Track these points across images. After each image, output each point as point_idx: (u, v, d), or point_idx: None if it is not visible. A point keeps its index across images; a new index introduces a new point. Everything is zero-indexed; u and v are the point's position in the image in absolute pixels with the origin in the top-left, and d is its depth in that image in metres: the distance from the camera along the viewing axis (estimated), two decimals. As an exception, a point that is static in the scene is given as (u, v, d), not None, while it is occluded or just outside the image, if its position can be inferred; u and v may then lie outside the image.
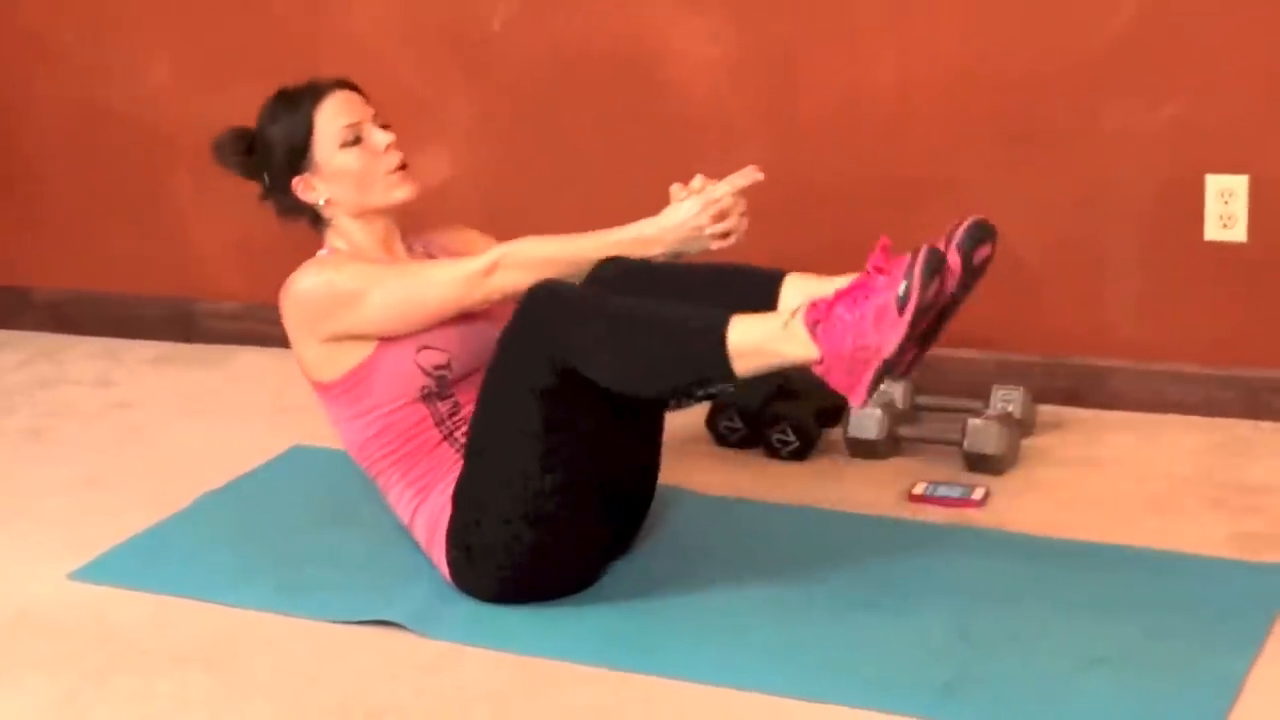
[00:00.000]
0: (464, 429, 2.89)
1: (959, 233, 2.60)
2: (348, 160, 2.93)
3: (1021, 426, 3.37)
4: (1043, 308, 3.59)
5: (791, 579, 2.89)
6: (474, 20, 3.86)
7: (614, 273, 2.81)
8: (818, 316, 2.56)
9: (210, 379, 4.08)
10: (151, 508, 3.31)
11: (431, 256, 3.06)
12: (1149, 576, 2.84)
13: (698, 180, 2.85)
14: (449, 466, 2.88)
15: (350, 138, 2.93)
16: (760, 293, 2.76)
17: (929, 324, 2.58)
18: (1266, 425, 3.42)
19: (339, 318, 2.85)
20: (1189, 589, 2.80)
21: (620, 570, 2.93)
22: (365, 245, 2.97)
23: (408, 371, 2.88)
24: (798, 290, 2.76)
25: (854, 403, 2.59)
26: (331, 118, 2.93)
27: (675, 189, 2.86)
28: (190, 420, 3.83)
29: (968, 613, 2.75)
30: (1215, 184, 3.39)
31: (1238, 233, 3.40)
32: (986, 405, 3.39)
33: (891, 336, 2.51)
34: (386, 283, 2.85)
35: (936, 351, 3.62)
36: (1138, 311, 3.52)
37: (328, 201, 2.94)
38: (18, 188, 4.43)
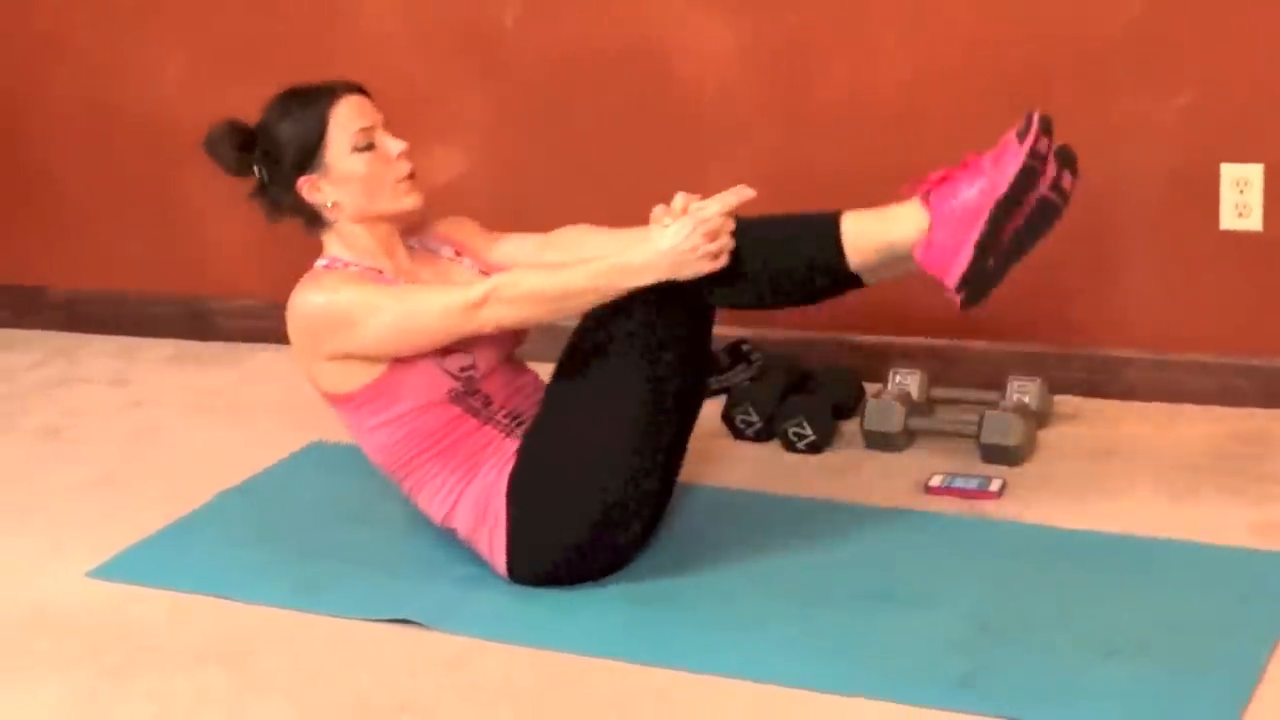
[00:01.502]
0: (503, 414, 2.90)
1: (1036, 115, 2.73)
2: (359, 164, 2.90)
3: (1038, 418, 3.36)
4: (1058, 298, 3.58)
5: (808, 571, 2.89)
6: (486, 17, 3.86)
7: None
8: (929, 186, 2.70)
9: (226, 377, 4.08)
10: (168, 506, 3.32)
11: (431, 252, 3.05)
12: (1166, 567, 2.84)
13: (679, 200, 2.80)
14: (496, 445, 2.88)
15: (363, 142, 2.90)
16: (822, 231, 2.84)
17: (1016, 230, 2.70)
18: (1284, 414, 3.42)
19: (337, 340, 2.84)
20: (1207, 579, 2.79)
21: (638, 564, 2.93)
22: (367, 249, 2.94)
23: (433, 376, 2.87)
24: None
25: (949, 282, 2.68)
26: (346, 120, 2.90)
27: (657, 211, 2.80)
28: (206, 418, 3.83)
29: (985, 604, 2.75)
30: (1230, 173, 3.38)
31: (1253, 221, 3.39)
32: (1003, 397, 3.39)
33: (1009, 169, 2.63)
34: (381, 311, 2.81)
35: (952, 342, 3.65)
36: (1154, 301, 3.51)
37: (334, 204, 2.91)
38: (33, 187, 4.44)
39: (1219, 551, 2.88)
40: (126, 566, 3.10)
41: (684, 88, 3.74)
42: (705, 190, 3.80)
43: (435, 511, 2.92)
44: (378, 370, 2.86)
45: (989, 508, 3.10)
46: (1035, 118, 2.71)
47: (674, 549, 2.98)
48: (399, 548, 3.07)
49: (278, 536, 3.18)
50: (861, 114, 3.61)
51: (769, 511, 3.14)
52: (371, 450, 2.94)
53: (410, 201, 2.94)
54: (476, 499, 2.86)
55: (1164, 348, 3.52)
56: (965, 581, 2.83)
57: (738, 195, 2.78)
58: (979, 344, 3.62)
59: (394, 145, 2.91)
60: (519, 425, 2.91)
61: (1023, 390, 3.38)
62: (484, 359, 2.90)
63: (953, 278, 2.68)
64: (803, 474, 3.30)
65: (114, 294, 4.39)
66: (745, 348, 3.68)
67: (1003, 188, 2.67)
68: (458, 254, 3.06)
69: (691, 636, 2.73)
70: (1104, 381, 3.55)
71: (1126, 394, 3.54)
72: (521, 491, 2.83)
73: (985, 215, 2.67)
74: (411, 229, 3.05)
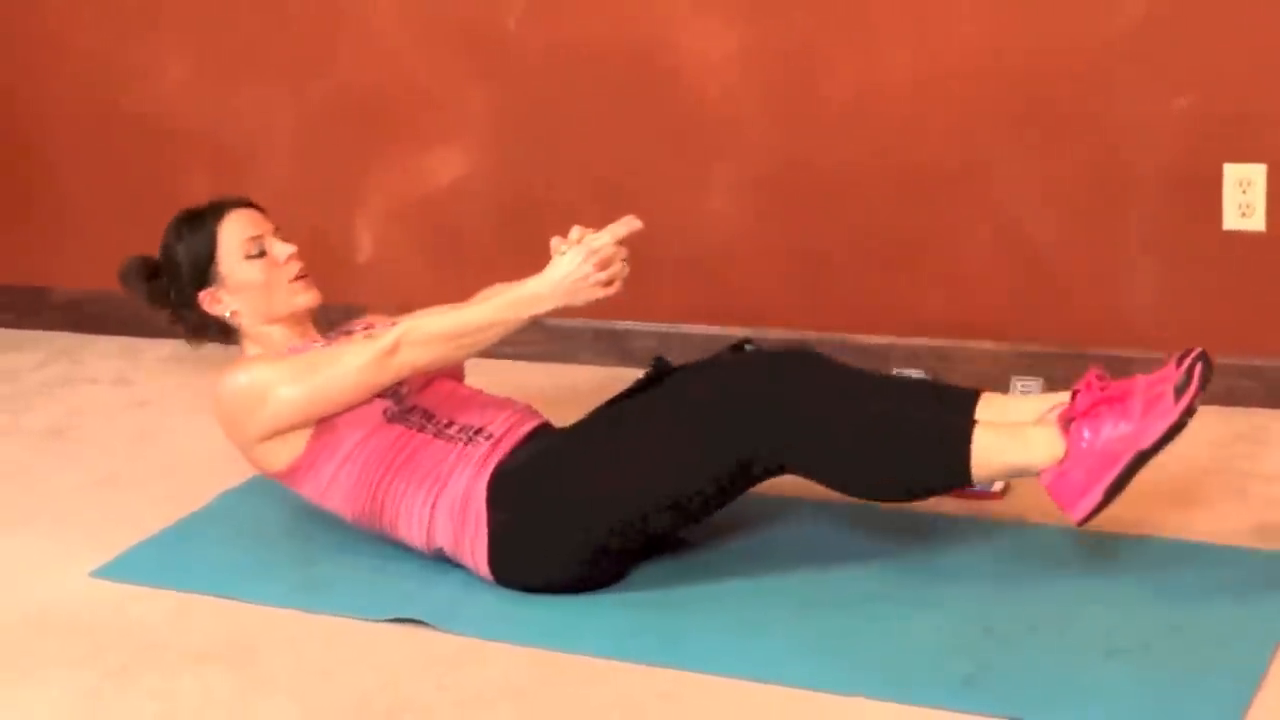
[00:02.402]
0: (455, 428, 2.93)
1: (1200, 367, 2.62)
2: (252, 271, 3.03)
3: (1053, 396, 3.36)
4: (1061, 298, 3.59)
5: (811, 572, 2.89)
6: (489, 18, 3.86)
7: (816, 379, 2.81)
8: (1073, 415, 2.61)
9: (229, 377, 4.08)
10: (172, 506, 3.32)
11: (347, 334, 3.12)
12: (1170, 567, 2.84)
13: (575, 231, 2.85)
14: (458, 454, 2.89)
15: (255, 250, 3.04)
16: (959, 406, 2.81)
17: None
18: (1287, 414, 3.42)
19: (262, 418, 2.92)
20: (1210, 579, 2.79)
21: (642, 565, 2.93)
22: (283, 345, 3.04)
23: (364, 407, 2.94)
24: (995, 407, 2.82)
25: (1078, 514, 2.61)
26: (235, 232, 3.04)
27: (555, 241, 2.86)
28: (209, 418, 3.80)
29: (988, 604, 2.75)
30: (1233, 173, 3.38)
31: (1256, 222, 3.39)
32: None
33: (1159, 424, 2.56)
34: (295, 380, 2.91)
35: (955, 343, 3.65)
36: (1156, 301, 3.51)
37: (234, 313, 3.05)
38: (37, 187, 4.44)
39: (1221, 552, 2.88)
40: (130, 566, 3.10)
41: (687, 89, 3.74)
42: (706, 193, 3.82)
43: (416, 534, 2.93)
44: (307, 433, 2.94)
45: (991, 508, 3.10)
46: (1197, 374, 2.61)
47: (677, 550, 2.98)
48: (402, 548, 3.07)
49: (280, 536, 3.19)
50: (865, 116, 3.61)
51: (771, 512, 3.13)
52: (341, 505, 2.98)
53: (305, 299, 3.06)
54: (452, 507, 2.87)
55: (1166, 348, 3.50)
56: (968, 582, 2.83)
57: (627, 226, 2.83)
58: (982, 344, 3.62)
59: (282, 250, 3.05)
60: (478, 434, 2.92)
61: (1025, 390, 3.38)
62: (413, 377, 2.97)
63: (1078, 513, 2.61)
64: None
65: (118, 294, 4.35)
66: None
67: (1147, 442, 2.59)
68: (369, 327, 3.14)
69: (693, 637, 2.73)
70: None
71: (1129, 394, 3.54)
72: (512, 499, 2.84)
73: (1124, 463, 2.59)
74: (333, 323, 3.18)
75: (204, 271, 3.05)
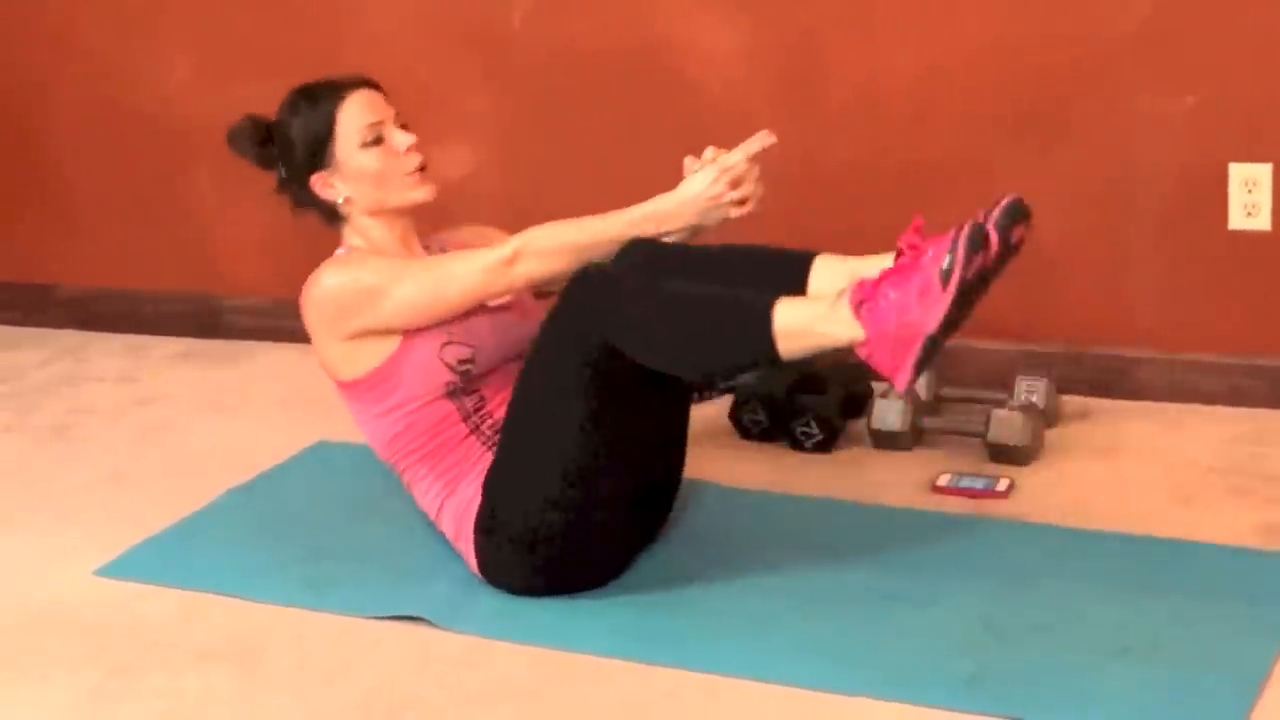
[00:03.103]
0: (490, 423, 2.90)
1: (996, 211, 2.58)
2: (368, 159, 2.93)
3: (1045, 417, 3.36)
4: (1066, 298, 3.58)
5: (815, 571, 2.89)
6: (493, 16, 3.86)
7: (645, 255, 2.81)
8: (863, 296, 2.57)
9: (234, 375, 4.09)
10: (176, 504, 3.33)
11: (447, 253, 3.05)
12: (1174, 567, 2.84)
13: (709, 151, 2.84)
14: (476, 459, 2.88)
15: (371, 137, 2.93)
16: (790, 273, 2.78)
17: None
18: (1292, 414, 3.42)
19: (363, 314, 2.85)
20: (1214, 579, 2.79)
21: (645, 563, 2.93)
22: (383, 242, 2.97)
23: (433, 367, 2.88)
24: (828, 271, 2.78)
25: (898, 385, 2.58)
26: (354, 116, 2.93)
27: (689, 161, 2.85)
28: (214, 416, 3.84)
29: (992, 604, 2.75)
30: (1239, 173, 3.38)
31: (1261, 221, 3.39)
32: (1010, 396, 3.39)
33: (935, 311, 2.51)
34: (409, 277, 2.85)
35: (960, 342, 3.63)
36: (1161, 301, 3.51)
37: (346, 200, 2.95)
38: (41, 185, 4.44)
39: (1226, 552, 2.88)
40: (134, 564, 3.10)
41: (692, 87, 3.74)
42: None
43: (427, 510, 2.95)
44: (386, 352, 2.87)
45: (996, 507, 3.10)
46: (962, 249, 2.51)
47: (680, 548, 2.98)
48: (406, 546, 3.07)
49: (285, 534, 3.19)
50: (870, 113, 3.61)
51: (776, 511, 3.14)
52: (372, 438, 2.96)
53: (422, 193, 2.96)
54: (455, 513, 2.88)
55: (1172, 347, 3.52)
56: (972, 581, 2.83)
57: (760, 141, 2.82)
58: (987, 343, 3.61)
59: (402, 139, 2.94)
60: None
61: (1031, 390, 3.38)
62: (483, 355, 2.91)
63: (899, 385, 2.58)
64: (810, 473, 3.30)
65: (123, 292, 4.39)
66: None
67: (932, 327, 2.52)
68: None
69: (697, 636, 2.73)
70: (1112, 381, 3.55)
71: (1134, 394, 3.54)
72: (484, 511, 2.83)
73: (919, 346, 2.54)
74: (431, 235, 3.08)
75: (319, 154, 2.93)
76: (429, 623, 2.81)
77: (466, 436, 2.90)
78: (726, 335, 2.65)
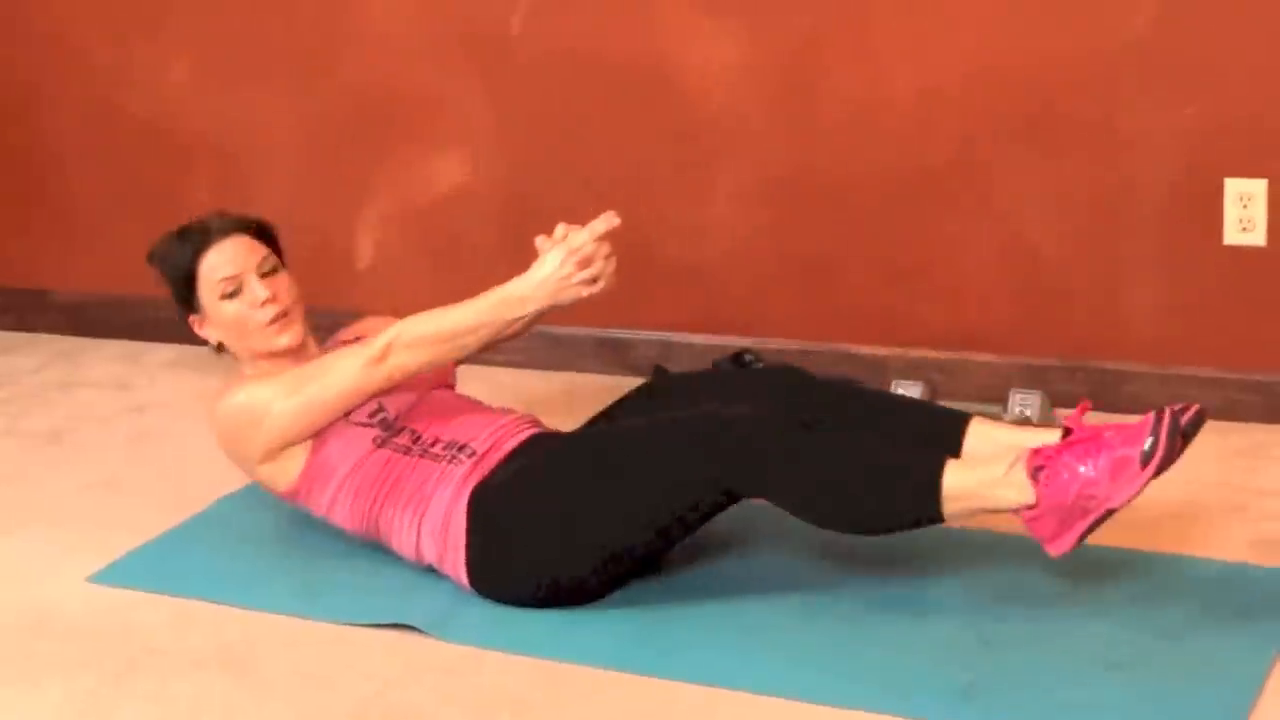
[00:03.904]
0: (439, 445, 2.93)
1: (1187, 416, 2.61)
2: (227, 310, 3.02)
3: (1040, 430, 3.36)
4: (1061, 311, 3.59)
5: (810, 582, 2.89)
6: (492, 23, 3.86)
7: (790, 390, 2.87)
8: (1041, 463, 2.60)
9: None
10: (170, 510, 3.32)
11: (345, 344, 3.11)
12: (1167, 581, 2.84)
13: (560, 229, 2.87)
14: (440, 474, 2.89)
15: (229, 290, 3.01)
16: (945, 433, 2.83)
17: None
18: (1286, 429, 3.42)
19: (257, 438, 2.94)
20: (1207, 594, 2.79)
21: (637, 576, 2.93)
22: (276, 371, 3.02)
23: (351, 435, 2.94)
24: (982, 437, 2.83)
25: (1054, 553, 2.63)
26: (213, 268, 3.02)
27: (540, 241, 2.87)
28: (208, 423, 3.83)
29: (986, 617, 2.75)
30: (1234, 188, 3.38)
31: (1257, 236, 3.39)
32: (1005, 409, 3.39)
33: (1127, 490, 2.57)
34: (288, 393, 2.92)
35: (954, 355, 3.65)
36: (1157, 315, 3.51)
37: (219, 344, 3.06)
38: (38, 190, 4.44)
39: (1220, 567, 2.88)
40: (127, 571, 3.10)
41: (690, 97, 3.74)
42: (709, 200, 3.82)
43: (410, 552, 2.94)
44: (303, 454, 2.95)
45: (990, 520, 3.09)
46: (1164, 439, 2.59)
47: (673, 560, 2.98)
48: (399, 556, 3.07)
49: (278, 542, 3.18)
50: (867, 126, 3.62)
51: (771, 522, 3.13)
52: (343, 523, 3.00)
53: (283, 340, 3.03)
54: (434, 527, 2.88)
55: (1166, 361, 3.52)
56: (967, 593, 2.83)
57: (605, 222, 2.84)
58: (981, 356, 3.62)
59: (260, 292, 3.00)
60: (461, 451, 2.92)
61: (1024, 403, 3.38)
62: (391, 400, 2.98)
63: (1055, 552, 2.64)
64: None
65: (118, 298, 4.39)
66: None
67: (1117, 503, 2.59)
68: (359, 337, 3.11)
69: (691, 646, 2.73)
70: (1106, 395, 3.55)
71: (1128, 407, 3.53)
72: (489, 524, 2.83)
73: (1094, 518, 2.60)
74: (333, 329, 3.19)
75: (188, 298, 3.06)
76: (422, 632, 2.81)
77: (419, 461, 2.92)
78: (890, 497, 2.68)
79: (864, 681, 2.59)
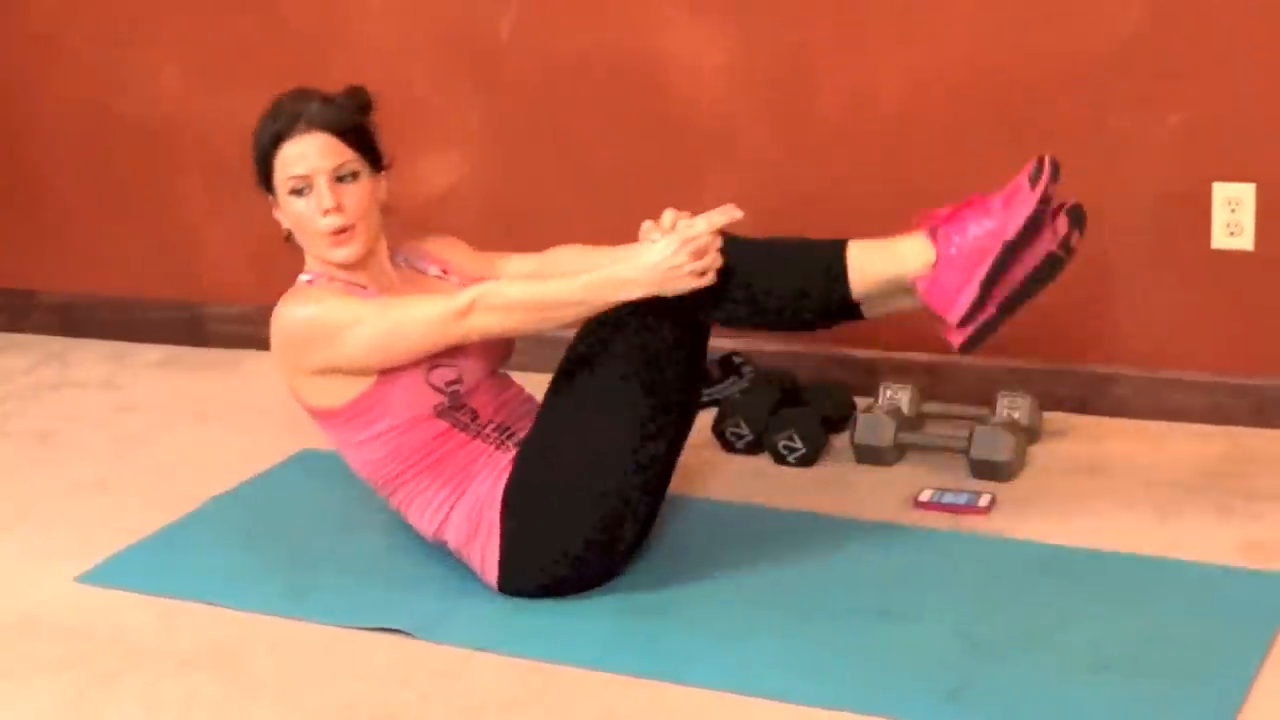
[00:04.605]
0: (492, 427, 2.91)
1: (1069, 202, 2.75)
2: (292, 206, 2.88)
3: (1028, 433, 3.37)
4: (1050, 314, 3.58)
5: (797, 585, 2.90)
6: (482, 27, 3.87)
7: None
8: (937, 222, 2.70)
9: (218, 382, 4.08)
10: (159, 511, 3.32)
11: (418, 270, 3.04)
12: (1155, 584, 2.85)
13: (668, 216, 2.82)
14: (487, 458, 2.88)
15: (297, 187, 2.87)
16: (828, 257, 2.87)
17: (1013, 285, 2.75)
18: (1274, 434, 3.42)
19: (320, 353, 2.83)
20: (1195, 597, 2.80)
21: (627, 576, 2.93)
22: (338, 276, 2.92)
23: (419, 391, 2.86)
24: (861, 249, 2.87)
25: (953, 317, 2.70)
26: (288, 161, 2.86)
27: (646, 227, 2.83)
28: (198, 424, 3.83)
29: (973, 619, 2.75)
30: (1222, 192, 3.39)
31: (1245, 241, 3.40)
32: (993, 412, 3.39)
33: (1020, 212, 2.65)
34: (365, 323, 2.80)
35: (942, 358, 3.65)
36: (1145, 319, 3.52)
37: (289, 233, 2.93)
38: (27, 190, 4.44)
39: (1207, 570, 2.88)
40: (116, 571, 3.10)
41: (680, 100, 3.74)
42: (698, 204, 3.81)
43: (427, 525, 2.92)
44: (364, 384, 2.85)
45: (978, 523, 3.11)
46: (1047, 164, 2.75)
47: (663, 561, 2.99)
48: (390, 555, 3.07)
49: (268, 543, 3.18)
50: (857, 128, 3.62)
51: (758, 524, 3.14)
52: (358, 464, 2.94)
53: (340, 254, 2.88)
54: (469, 511, 2.87)
55: (1155, 365, 3.53)
56: (954, 597, 2.83)
57: (725, 215, 2.78)
58: (970, 359, 3.62)
59: (326, 199, 2.85)
60: (509, 438, 2.91)
61: (1013, 406, 3.39)
62: (470, 373, 2.91)
63: (955, 314, 2.72)
64: (793, 487, 3.30)
65: (107, 298, 4.38)
66: (737, 360, 3.68)
67: (1011, 231, 2.71)
68: (444, 273, 3.05)
69: (680, 649, 2.74)
70: (1094, 398, 3.56)
71: (1116, 411, 3.55)
72: (516, 504, 2.83)
73: (992, 256, 2.71)
74: (399, 245, 3.05)
75: (267, 177, 2.89)
76: (411, 634, 2.81)
77: (470, 441, 2.89)
78: (801, 268, 2.78)
79: (851, 684, 2.59)
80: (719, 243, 2.78)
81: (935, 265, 2.70)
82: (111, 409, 3.95)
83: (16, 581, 3.10)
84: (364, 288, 2.91)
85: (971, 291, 2.68)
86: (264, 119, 2.92)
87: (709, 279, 2.76)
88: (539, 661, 2.71)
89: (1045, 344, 3.59)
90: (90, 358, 4.29)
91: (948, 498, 3.18)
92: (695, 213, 3.61)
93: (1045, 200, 2.72)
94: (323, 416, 2.92)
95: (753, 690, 2.59)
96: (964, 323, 2.74)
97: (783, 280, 2.83)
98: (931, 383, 3.59)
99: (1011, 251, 2.71)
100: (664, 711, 2.57)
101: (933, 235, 2.73)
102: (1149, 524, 3.06)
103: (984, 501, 3.15)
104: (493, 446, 2.89)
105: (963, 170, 3.56)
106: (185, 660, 2.78)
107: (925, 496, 3.19)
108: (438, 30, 3.92)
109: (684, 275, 2.74)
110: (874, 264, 2.78)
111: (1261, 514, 3.08)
